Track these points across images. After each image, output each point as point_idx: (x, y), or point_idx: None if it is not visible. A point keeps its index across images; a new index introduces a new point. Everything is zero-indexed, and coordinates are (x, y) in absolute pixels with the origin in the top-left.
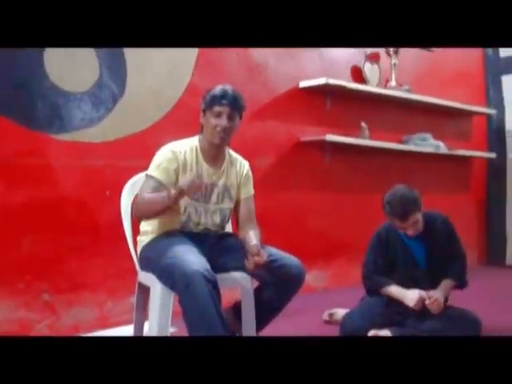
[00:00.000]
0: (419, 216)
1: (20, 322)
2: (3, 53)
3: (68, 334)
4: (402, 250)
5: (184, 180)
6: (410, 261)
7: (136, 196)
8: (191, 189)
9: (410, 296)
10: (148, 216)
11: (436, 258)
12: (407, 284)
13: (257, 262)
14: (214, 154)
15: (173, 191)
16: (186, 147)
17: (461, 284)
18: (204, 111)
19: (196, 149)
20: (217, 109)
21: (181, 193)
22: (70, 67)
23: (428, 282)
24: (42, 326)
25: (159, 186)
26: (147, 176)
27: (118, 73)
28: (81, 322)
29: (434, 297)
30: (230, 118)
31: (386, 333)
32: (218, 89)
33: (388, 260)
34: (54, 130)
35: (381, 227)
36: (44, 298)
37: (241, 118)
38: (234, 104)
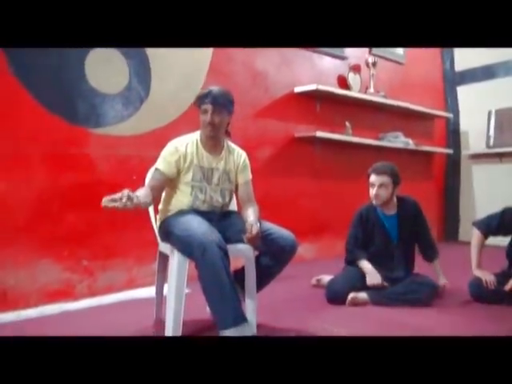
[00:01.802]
0: (389, 184)
1: (65, 282)
2: (53, 60)
3: (103, 294)
4: (378, 227)
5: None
6: (384, 236)
7: None
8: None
9: (371, 277)
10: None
11: (407, 233)
12: (383, 255)
13: (250, 236)
14: (211, 144)
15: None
16: (187, 140)
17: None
18: (198, 109)
19: (196, 141)
20: (203, 107)
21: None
22: (106, 73)
23: (400, 253)
24: (83, 286)
25: (161, 176)
26: (155, 168)
27: (143, 78)
28: (113, 284)
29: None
30: (214, 113)
31: (363, 295)
32: (204, 90)
33: (366, 235)
34: (91, 124)
35: (362, 207)
36: (83, 264)
37: (229, 112)
38: (216, 102)
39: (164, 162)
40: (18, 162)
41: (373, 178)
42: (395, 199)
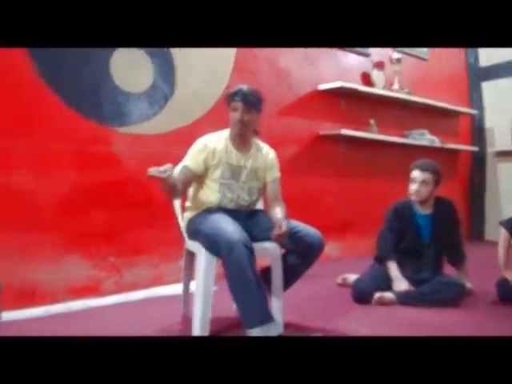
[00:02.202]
0: (430, 182)
1: (92, 278)
2: (79, 61)
3: (129, 290)
4: (411, 225)
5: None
6: (416, 234)
7: None
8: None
9: (398, 283)
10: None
11: (439, 234)
12: (412, 254)
13: (278, 233)
14: (239, 142)
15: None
16: (216, 138)
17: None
18: (228, 106)
19: (226, 138)
20: (233, 104)
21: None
22: (131, 72)
23: (429, 254)
24: (109, 283)
25: (188, 172)
26: (183, 164)
27: (168, 77)
28: (139, 280)
29: None
30: (244, 111)
31: (389, 295)
32: (234, 88)
33: (398, 231)
34: (117, 123)
35: (398, 202)
36: (110, 260)
37: (258, 111)
38: (246, 100)
39: (192, 158)
40: (46, 161)
41: (415, 173)
42: (433, 198)
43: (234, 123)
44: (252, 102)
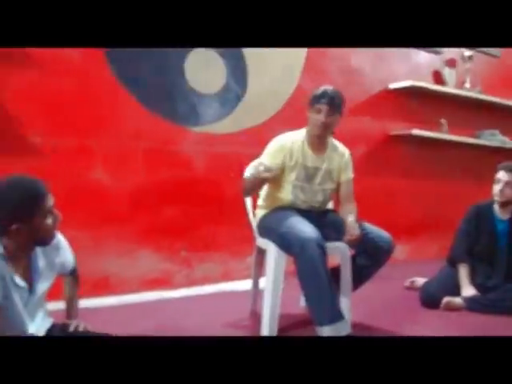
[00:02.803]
0: None
1: (164, 271)
2: (154, 64)
3: (199, 284)
4: (489, 228)
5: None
6: (492, 239)
7: None
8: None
9: (466, 289)
10: (246, 190)
11: None
12: (485, 258)
13: (352, 237)
14: (317, 144)
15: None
16: (293, 138)
17: None
18: (309, 107)
19: (302, 138)
20: (317, 106)
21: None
22: (204, 73)
23: (503, 260)
24: (180, 276)
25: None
26: (259, 162)
27: (240, 77)
28: (209, 275)
29: None
30: (328, 114)
31: (458, 300)
32: (320, 89)
33: (475, 234)
34: (191, 123)
35: (478, 203)
36: (182, 254)
37: (341, 114)
38: (332, 103)
39: (271, 157)
40: (122, 159)
41: (502, 174)
42: None
43: (315, 125)
44: (337, 104)
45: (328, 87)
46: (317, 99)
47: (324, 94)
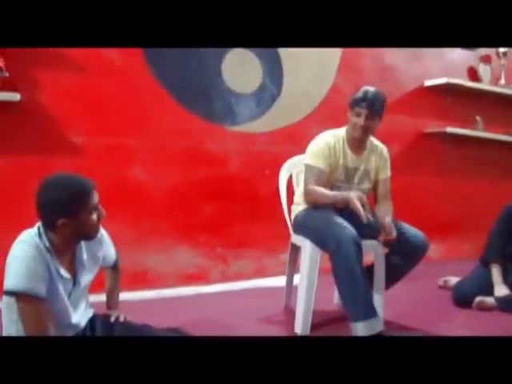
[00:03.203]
0: None
1: (200, 267)
2: (192, 64)
3: (234, 280)
4: None
5: (355, 193)
6: None
7: (291, 176)
8: (358, 201)
9: (499, 288)
10: (316, 204)
11: None
12: None
13: (387, 237)
14: (356, 144)
15: (340, 197)
16: (334, 139)
17: None
18: (349, 109)
19: (343, 138)
20: (357, 109)
21: (348, 201)
22: (240, 74)
23: None
24: (216, 272)
25: (321, 173)
26: (308, 166)
27: (276, 77)
28: (243, 271)
29: None
30: (368, 118)
31: (490, 300)
32: (360, 91)
33: (508, 233)
34: (227, 123)
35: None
36: (217, 251)
37: (381, 117)
38: (372, 107)
39: (318, 158)
40: (161, 158)
41: None
42: None
43: (354, 128)
44: (378, 109)
45: (369, 89)
46: (357, 102)
47: (364, 98)
